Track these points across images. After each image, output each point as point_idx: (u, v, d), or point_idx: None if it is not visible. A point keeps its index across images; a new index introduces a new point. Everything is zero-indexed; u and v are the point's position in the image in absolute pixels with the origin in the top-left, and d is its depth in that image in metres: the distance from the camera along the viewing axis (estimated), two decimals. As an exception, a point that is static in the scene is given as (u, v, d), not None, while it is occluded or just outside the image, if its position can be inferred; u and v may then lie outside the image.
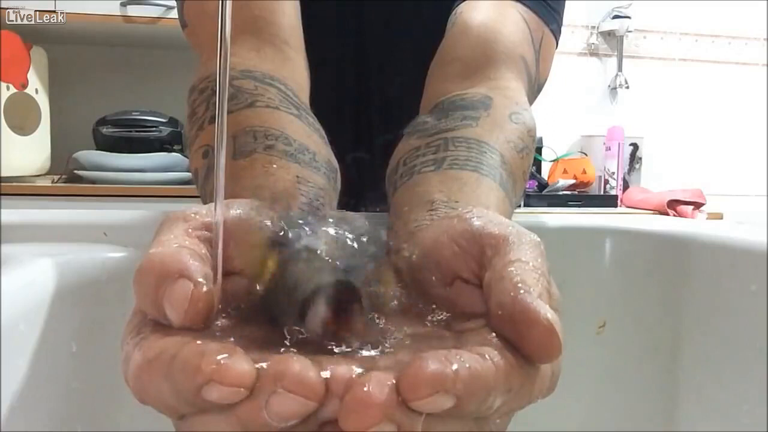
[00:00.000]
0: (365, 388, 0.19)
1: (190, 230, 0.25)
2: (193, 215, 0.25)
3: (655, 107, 2.44)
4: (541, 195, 2.01)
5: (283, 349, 0.22)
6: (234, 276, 0.26)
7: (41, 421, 0.37)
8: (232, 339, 0.22)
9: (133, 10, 1.76)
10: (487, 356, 0.20)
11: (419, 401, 0.19)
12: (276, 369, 0.19)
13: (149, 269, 0.22)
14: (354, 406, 0.19)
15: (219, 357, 0.19)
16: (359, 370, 0.20)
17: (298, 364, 0.19)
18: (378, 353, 0.23)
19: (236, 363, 0.19)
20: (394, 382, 0.19)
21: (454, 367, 0.19)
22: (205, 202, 0.39)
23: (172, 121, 1.79)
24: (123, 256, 0.44)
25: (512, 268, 0.23)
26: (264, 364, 0.19)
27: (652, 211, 1.82)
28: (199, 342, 0.20)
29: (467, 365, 0.19)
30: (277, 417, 0.19)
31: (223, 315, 0.24)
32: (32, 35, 1.70)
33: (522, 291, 0.22)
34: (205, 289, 0.22)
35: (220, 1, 0.23)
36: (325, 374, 0.20)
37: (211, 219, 0.25)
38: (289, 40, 0.49)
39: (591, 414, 0.56)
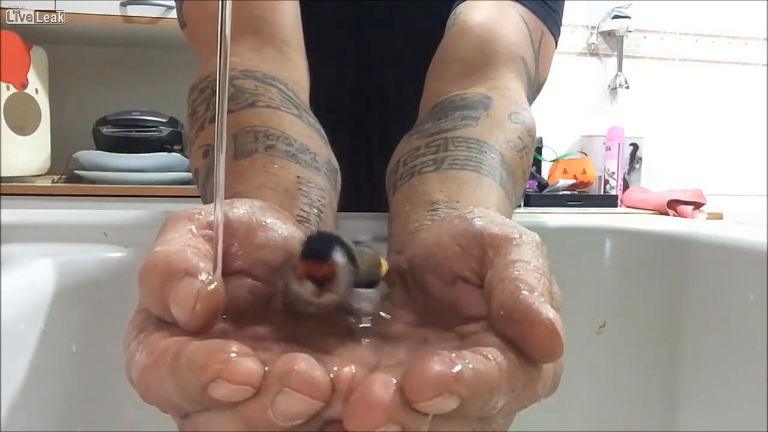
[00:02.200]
0: (370, 389, 0.19)
1: (194, 229, 0.25)
2: (197, 215, 0.25)
3: (655, 107, 2.44)
4: (541, 195, 2.01)
5: (287, 349, 0.23)
6: (238, 276, 0.26)
7: (41, 421, 0.37)
8: (236, 338, 0.22)
9: (133, 10, 1.76)
10: (490, 357, 0.20)
11: (424, 403, 0.19)
12: (282, 368, 0.19)
13: (154, 267, 0.22)
14: (358, 407, 0.19)
15: (226, 355, 0.19)
16: (364, 371, 0.20)
17: (304, 363, 0.19)
18: (381, 354, 0.23)
19: (243, 361, 0.19)
20: (399, 383, 0.19)
21: (458, 368, 0.19)
22: (205, 202, 0.39)
23: (172, 121, 1.79)
24: (123, 256, 0.44)
25: (514, 269, 0.23)
26: (270, 363, 0.19)
27: (652, 211, 1.82)
28: (205, 340, 0.20)
29: (471, 366, 0.19)
30: (283, 416, 0.19)
31: (225, 315, 0.24)
32: (32, 35, 1.70)
33: (523, 291, 0.22)
34: (211, 287, 0.22)
35: (220, 1, 0.23)
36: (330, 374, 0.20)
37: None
38: (289, 40, 0.49)
39: (591, 414, 0.56)
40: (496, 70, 0.49)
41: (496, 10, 0.52)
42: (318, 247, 0.24)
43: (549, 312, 0.21)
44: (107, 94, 2.03)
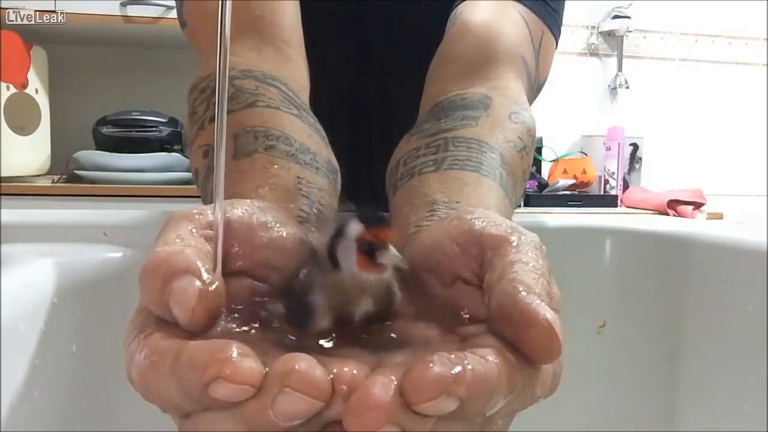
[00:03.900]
0: (370, 390, 0.19)
1: (194, 230, 0.25)
2: (197, 215, 0.25)
3: (655, 107, 2.44)
4: (541, 195, 2.00)
5: (288, 349, 0.22)
6: (239, 276, 0.26)
7: (41, 421, 0.37)
8: (236, 338, 0.22)
9: (133, 10, 1.76)
10: (489, 358, 0.20)
11: (423, 404, 0.19)
12: (283, 368, 0.19)
13: (155, 267, 0.22)
14: (358, 408, 0.19)
15: (227, 355, 0.19)
16: (364, 372, 0.20)
17: (304, 363, 0.19)
18: (383, 355, 0.23)
19: (244, 361, 0.19)
20: (399, 384, 0.19)
21: (458, 369, 0.19)
22: (205, 202, 0.39)
23: (172, 121, 1.79)
24: (123, 256, 0.44)
25: (512, 269, 0.23)
26: (270, 363, 0.19)
27: (652, 211, 1.82)
28: (206, 340, 0.20)
29: (470, 367, 0.19)
30: (283, 416, 0.19)
31: (226, 315, 0.24)
32: (32, 35, 1.70)
33: (522, 292, 0.22)
34: (212, 287, 0.22)
35: (220, 1, 0.23)
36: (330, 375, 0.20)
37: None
38: (290, 41, 0.49)
39: (591, 414, 0.56)
40: (497, 70, 0.49)
41: (497, 10, 0.52)
42: (378, 216, 0.24)
43: (547, 312, 0.21)
44: (107, 94, 2.03)
